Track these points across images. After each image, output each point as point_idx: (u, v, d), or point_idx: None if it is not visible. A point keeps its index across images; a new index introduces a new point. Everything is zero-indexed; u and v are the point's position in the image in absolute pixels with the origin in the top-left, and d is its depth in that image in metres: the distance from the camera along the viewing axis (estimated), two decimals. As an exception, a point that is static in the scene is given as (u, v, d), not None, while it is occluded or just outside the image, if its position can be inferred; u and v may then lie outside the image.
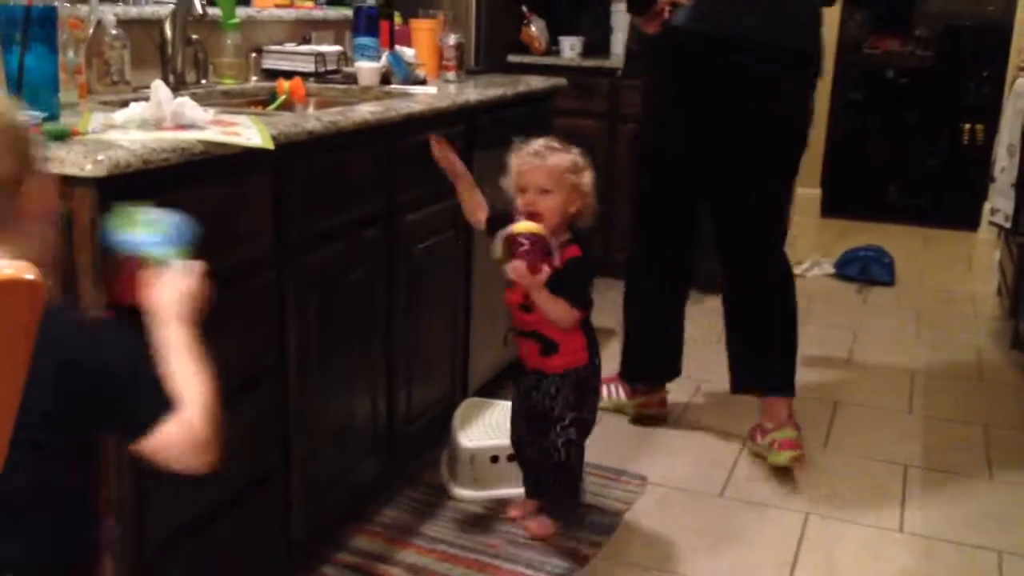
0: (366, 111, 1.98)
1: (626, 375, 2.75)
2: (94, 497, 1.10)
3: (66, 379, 0.98)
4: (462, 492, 2.28)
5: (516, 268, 1.86)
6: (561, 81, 3.04)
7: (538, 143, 2.02)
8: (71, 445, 1.04)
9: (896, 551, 2.15)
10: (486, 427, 2.36)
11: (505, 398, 2.62)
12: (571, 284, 1.94)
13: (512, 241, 1.86)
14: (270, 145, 1.59)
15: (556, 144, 2.03)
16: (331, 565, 1.99)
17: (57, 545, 1.05)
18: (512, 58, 3.75)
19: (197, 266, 1.15)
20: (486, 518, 2.20)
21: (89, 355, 1.00)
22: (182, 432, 1.01)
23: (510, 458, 2.26)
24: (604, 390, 2.51)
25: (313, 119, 1.81)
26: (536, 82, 2.92)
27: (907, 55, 5.84)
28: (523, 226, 1.87)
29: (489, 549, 2.07)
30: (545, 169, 1.96)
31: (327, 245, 1.88)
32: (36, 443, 0.97)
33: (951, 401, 2.98)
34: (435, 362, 2.39)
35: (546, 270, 1.86)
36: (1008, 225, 3.41)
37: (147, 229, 1.15)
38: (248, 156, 1.57)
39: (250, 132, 1.61)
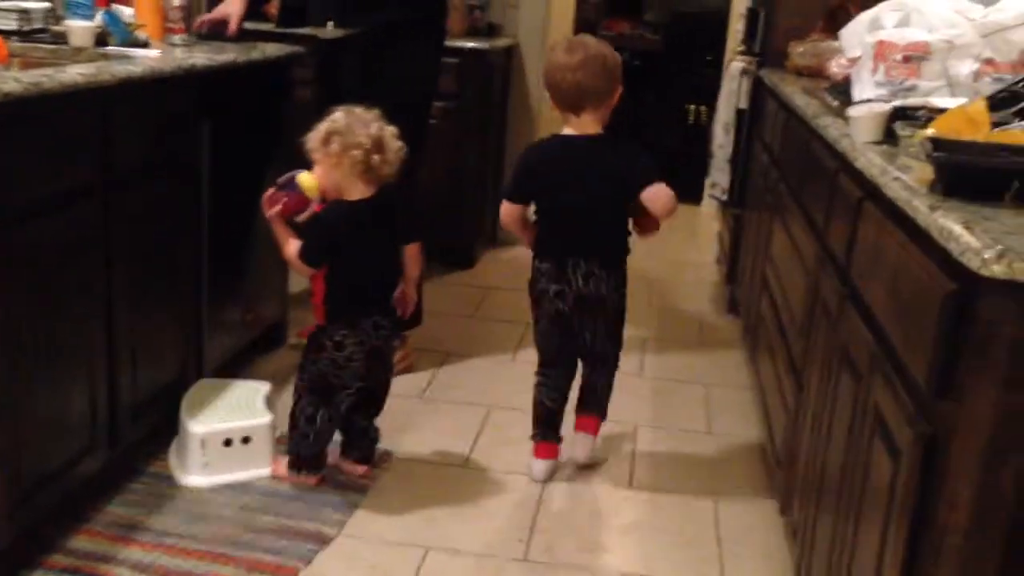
0: (76, 73, 1.81)
1: None
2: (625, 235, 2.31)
3: (620, 170, 2.19)
4: (192, 480, 2.17)
5: (265, 195, 2.11)
6: (299, 49, 2.93)
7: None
8: (618, 204, 2.24)
9: (626, 506, 2.28)
10: (219, 409, 2.25)
11: (247, 377, 2.52)
12: (304, 233, 2.11)
13: (288, 179, 2.09)
14: (-49, 107, 1.41)
15: (329, 117, 2.11)
16: (43, 570, 1.82)
17: (617, 248, 2.30)
18: (249, 25, 3.57)
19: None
20: (221, 506, 2.10)
21: (628, 158, 2.18)
22: (665, 191, 2.17)
23: (244, 440, 2.18)
24: None
25: (11, 80, 1.63)
26: (271, 49, 2.80)
27: (638, 38, 6.17)
28: (305, 175, 2.08)
29: (224, 538, 1.98)
30: (308, 149, 2.11)
31: (34, 218, 1.72)
32: (608, 195, 2.20)
33: (676, 363, 3.21)
34: (164, 343, 2.25)
35: (276, 209, 2.08)
36: (725, 198, 3.70)
37: None
38: (-75, 119, 1.39)
39: (-74, 92, 1.42)
